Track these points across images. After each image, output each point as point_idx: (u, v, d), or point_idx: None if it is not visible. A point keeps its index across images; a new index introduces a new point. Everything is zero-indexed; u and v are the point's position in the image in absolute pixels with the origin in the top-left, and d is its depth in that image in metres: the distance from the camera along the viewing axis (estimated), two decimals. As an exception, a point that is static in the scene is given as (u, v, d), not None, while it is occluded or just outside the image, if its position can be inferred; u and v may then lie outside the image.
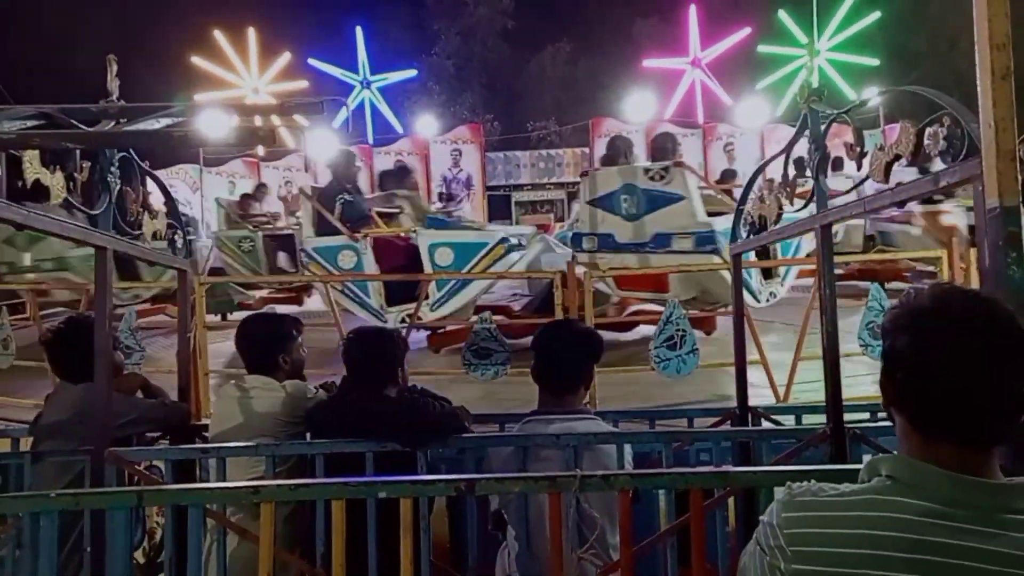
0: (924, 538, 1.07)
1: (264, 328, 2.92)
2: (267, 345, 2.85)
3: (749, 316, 3.88)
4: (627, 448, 2.48)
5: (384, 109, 18.89)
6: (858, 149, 2.23)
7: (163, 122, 2.04)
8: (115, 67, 2.46)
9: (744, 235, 3.13)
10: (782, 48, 18.29)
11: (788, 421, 3.18)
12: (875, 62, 16.86)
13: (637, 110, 17.91)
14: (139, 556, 3.64)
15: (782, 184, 2.72)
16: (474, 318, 4.87)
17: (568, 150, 19.46)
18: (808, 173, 2.56)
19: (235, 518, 2.50)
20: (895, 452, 1.19)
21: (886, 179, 2.10)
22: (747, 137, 16.36)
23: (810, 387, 4.48)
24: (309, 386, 2.93)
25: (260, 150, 16.70)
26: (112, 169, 2.48)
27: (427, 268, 6.02)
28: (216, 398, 2.97)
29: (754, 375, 4.65)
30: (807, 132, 2.57)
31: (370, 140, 18.22)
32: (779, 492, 1.23)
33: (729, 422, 3.16)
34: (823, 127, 2.54)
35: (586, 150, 18.46)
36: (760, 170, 3.09)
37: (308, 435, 2.75)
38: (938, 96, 1.80)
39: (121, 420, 2.73)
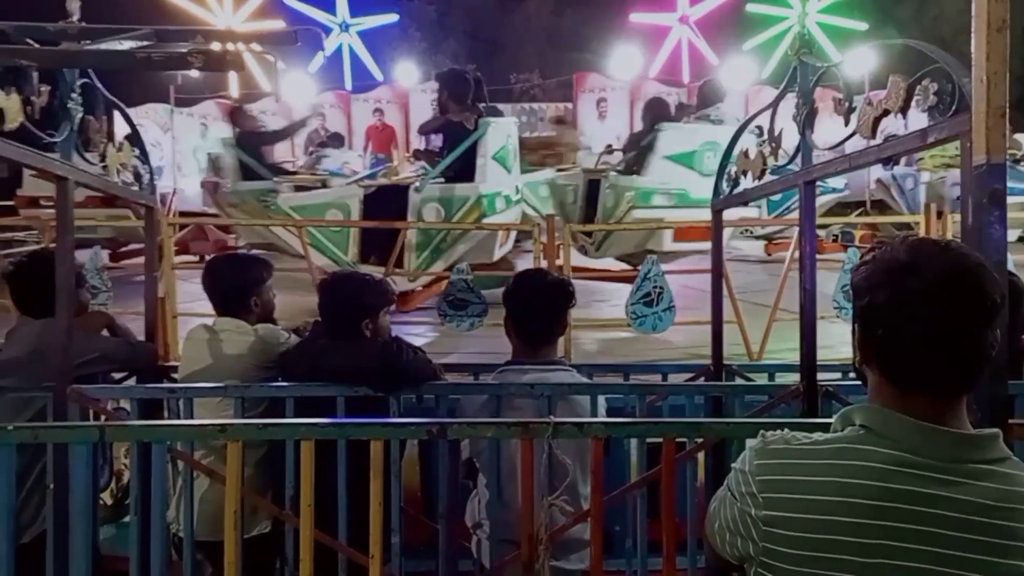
0: (893, 486, 1.08)
1: (233, 269, 2.85)
2: (236, 287, 2.78)
3: (727, 274, 3.88)
4: (600, 400, 2.48)
5: (363, 54, 18.41)
6: (846, 104, 2.19)
7: (127, 45, 1.93)
8: (75, -14, 2.32)
9: (726, 191, 3.10)
10: (771, 8, 18.06)
11: (761, 379, 3.21)
12: (863, 26, 16.74)
13: (622, 66, 17.67)
14: (106, 497, 3.61)
15: (768, 139, 2.68)
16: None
17: (551, 104, 19.19)
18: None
19: (206, 462, 2.46)
20: (867, 403, 1.19)
21: (873, 135, 2.07)
22: (732, 98, 16.25)
23: (784, 352, 4.53)
24: (281, 330, 2.88)
25: (234, 91, 16.26)
26: (73, 95, 2.36)
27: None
28: (186, 340, 2.90)
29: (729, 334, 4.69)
30: (795, 86, 2.52)
31: (348, 86, 17.79)
32: (751, 442, 1.23)
33: (703, 378, 3.18)
34: (812, 81, 2.49)
35: (569, 105, 18.23)
36: (745, 125, 3.04)
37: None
38: (931, 50, 1.77)
39: (83, 358, 2.66)
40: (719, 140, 5.84)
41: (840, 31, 17.16)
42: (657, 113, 7.15)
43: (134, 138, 2.90)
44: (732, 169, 3.06)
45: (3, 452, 1.66)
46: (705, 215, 3.26)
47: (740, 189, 2.96)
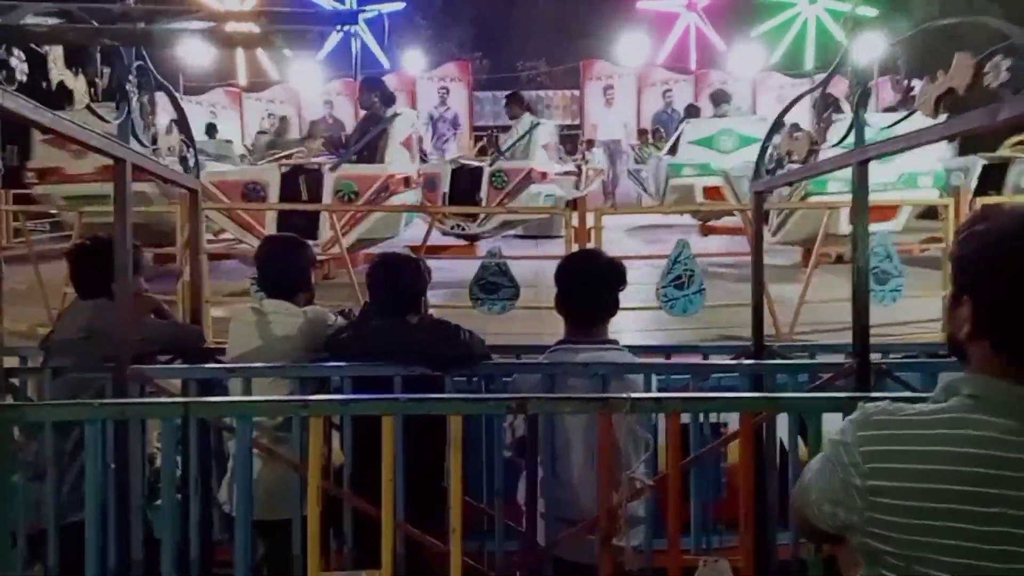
0: (1007, 455, 1.09)
1: (290, 251, 2.86)
2: (291, 269, 2.80)
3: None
4: (653, 380, 2.50)
5: (370, 42, 18.33)
6: (905, 82, 2.19)
7: (195, 24, 1.93)
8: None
9: (769, 173, 3.10)
10: (779, -6, 17.97)
11: (801, 359, 3.21)
12: (873, 12, 16.64)
13: (629, 54, 17.59)
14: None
15: (820, 118, 2.69)
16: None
17: (558, 92, 19.13)
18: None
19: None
20: (966, 375, 1.20)
21: (935, 114, 2.08)
22: (740, 84, 16.20)
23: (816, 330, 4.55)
24: (329, 312, 2.89)
25: (242, 78, 16.23)
26: (130, 77, 2.36)
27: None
28: (233, 321, 2.92)
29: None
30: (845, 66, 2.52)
31: (356, 77, 17.73)
32: (832, 421, 1.23)
33: (744, 358, 3.19)
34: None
35: (576, 92, 18.19)
36: (789, 107, 3.04)
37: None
38: (1006, 27, 1.77)
39: (135, 339, 2.67)
40: (733, 127, 8.84)
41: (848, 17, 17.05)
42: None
43: (180, 122, 2.90)
44: (774, 152, 3.07)
45: (91, 429, 1.68)
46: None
47: (784, 171, 2.97)
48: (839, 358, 2.97)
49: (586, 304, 2.51)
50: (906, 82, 2.12)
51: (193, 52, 14.56)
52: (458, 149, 17.18)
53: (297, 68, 15.87)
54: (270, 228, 6.12)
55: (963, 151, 8.40)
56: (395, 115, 7.00)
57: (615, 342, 2.56)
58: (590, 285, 2.51)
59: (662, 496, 1.83)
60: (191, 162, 3.02)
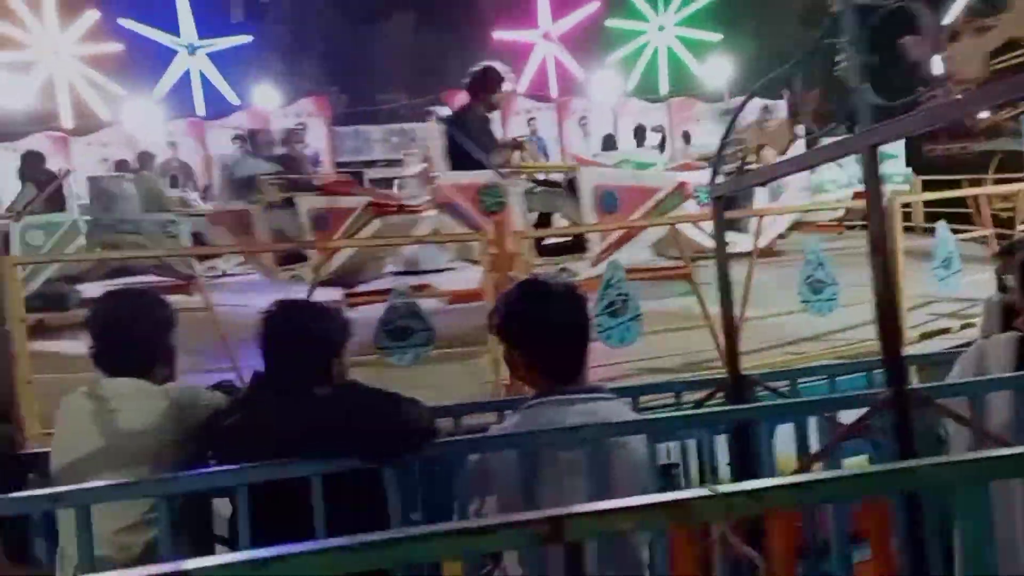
0: None
1: (139, 307, 2.05)
2: (143, 333, 1.99)
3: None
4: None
5: (215, 78, 17.02)
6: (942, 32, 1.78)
7: None
8: None
9: (728, 175, 2.66)
10: (629, 22, 18.50)
11: (782, 388, 2.77)
12: (718, 37, 17.45)
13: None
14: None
15: (799, 104, 2.25)
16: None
17: (422, 124, 18.61)
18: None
19: None
20: None
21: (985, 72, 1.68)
22: (600, 111, 16.37)
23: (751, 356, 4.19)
24: (200, 388, 2.11)
25: (67, 121, 14.41)
26: None
27: None
28: (60, 413, 2.07)
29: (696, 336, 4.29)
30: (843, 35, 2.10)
31: (200, 112, 16.35)
32: None
33: (722, 394, 2.70)
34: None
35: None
36: (751, 96, 2.62)
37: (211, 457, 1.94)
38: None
39: None
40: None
41: (698, 43, 17.83)
42: None
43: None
44: (739, 151, 2.63)
45: None
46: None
47: (756, 166, 2.53)
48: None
49: (565, 355, 1.88)
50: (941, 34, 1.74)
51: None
52: (322, 187, 16.23)
53: (131, 108, 14.32)
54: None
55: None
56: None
57: (602, 387, 1.96)
58: (565, 329, 1.89)
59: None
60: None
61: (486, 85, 5.61)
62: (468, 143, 5.18)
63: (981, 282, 4.88)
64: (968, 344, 4.48)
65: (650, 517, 1.07)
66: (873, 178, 2.05)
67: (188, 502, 1.94)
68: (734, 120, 2.63)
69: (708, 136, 15.62)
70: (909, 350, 4.51)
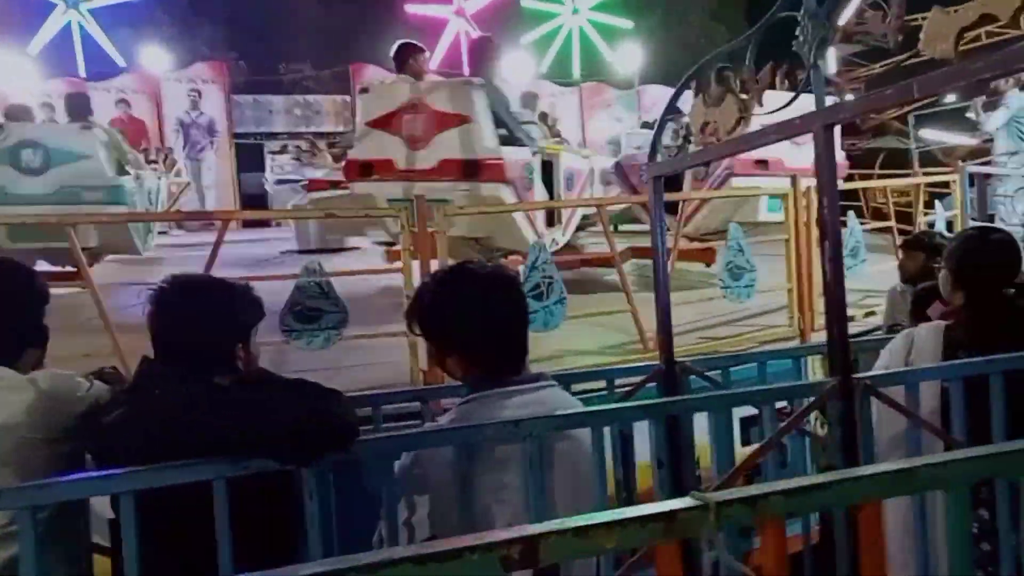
0: None
1: (2, 283, 1.71)
2: (8, 312, 1.66)
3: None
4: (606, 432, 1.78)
5: (99, 36, 15.70)
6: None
7: None
8: None
9: (670, 150, 2.54)
10: (544, 4, 18.41)
11: (715, 375, 2.70)
12: (629, 24, 17.62)
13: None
14: None
15: (750, 78, 2.15)
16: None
17: (328, 97, 17.88)
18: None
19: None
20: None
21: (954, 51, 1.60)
22: (515, 92, 16.22)
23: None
24: (75, 377, 1.79)
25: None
26: None
27: None
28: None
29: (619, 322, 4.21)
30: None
31: (82, 72, 15.05)
32: None
33: (657, 382, 2.60)
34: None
35: (347, 98, 17.04)
36: (694, 73, 2.49)
37: (88, 458, 1.64)
38: None
39: None
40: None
41: (611, 28, 17.96)
42: None
43: None
44: (676, 127, 2.52)
45: None
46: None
47: (698, 147, 2.41)
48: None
49: (508, 341, 1.70)
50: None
51: None
52: (217, 157, 15.33)
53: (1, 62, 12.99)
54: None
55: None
56: None
57: (544, 375, 1.79)
58: (504, 313, 1.71)
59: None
60: None
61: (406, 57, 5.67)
62: None
63: (884, 272, 5.07)
64: (873, 331, 4.64)
65: (635, 535, 0.91)
66: (827, 159, 1.97)
67: (60, 511, 1.65)
68: (676, 96, 2.51)
69: (615, 123, 15.85)
70: (813, 338, 4.63)
